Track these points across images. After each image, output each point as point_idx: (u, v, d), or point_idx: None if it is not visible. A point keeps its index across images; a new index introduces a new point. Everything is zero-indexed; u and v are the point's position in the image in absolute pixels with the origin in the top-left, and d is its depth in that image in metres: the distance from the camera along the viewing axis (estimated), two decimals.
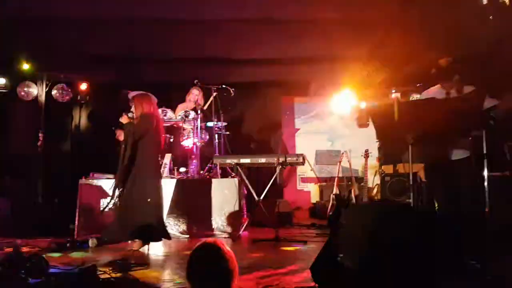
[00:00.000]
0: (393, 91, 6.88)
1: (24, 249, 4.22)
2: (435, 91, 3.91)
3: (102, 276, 2.87)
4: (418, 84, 6.58)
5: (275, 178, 6.55)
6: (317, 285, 2.74)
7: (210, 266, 1.73)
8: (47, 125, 6.67)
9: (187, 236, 5.30)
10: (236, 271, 1.81)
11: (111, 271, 3.06)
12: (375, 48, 6.20)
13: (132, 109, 4.74)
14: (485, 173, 3.49)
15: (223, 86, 6.08)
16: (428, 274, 2.52)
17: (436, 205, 3.98)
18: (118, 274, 3.05)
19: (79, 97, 6.94)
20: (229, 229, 5.40)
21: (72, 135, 7.73)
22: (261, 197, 5.74)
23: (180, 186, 5.50)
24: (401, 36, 5.90)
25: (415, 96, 6.88)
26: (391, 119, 3.25)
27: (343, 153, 6.27)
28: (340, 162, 6.26)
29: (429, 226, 2.80)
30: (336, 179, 6.19)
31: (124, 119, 4.66)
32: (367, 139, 7.82)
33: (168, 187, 5.40)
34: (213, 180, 5.68)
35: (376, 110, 3.74)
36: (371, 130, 7.41)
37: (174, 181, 5.54)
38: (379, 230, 2.50)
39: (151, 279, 3.04)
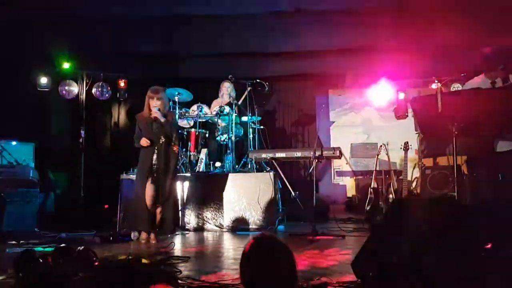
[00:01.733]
0: (435, 81, 6.67)
1: (70, 242, 4.39)
2: (479, 81, 3.77)
3: (147, 269, 2.94)
4: (462, 74, 6.36)
5: (311, 172, 6.51)
6: (359, 281, 2.71)
7: (269, 266, 1.53)
8: (87, 122, 6.87)
9: (224, 230, 5.36)
10: (296, 270, 1.63)
11: (154, 264, 3.13)
12: None
13: (159, 104, 4.60)
14: None
15: (257, 80, 6.08)
16: (474, 268, 2.44)
17: (481, 198, 3.84)
18: (162, 267, 3.12)
19: (118, 95, 7.10)
20: (264, 223, 5.41)
21: (111, 132, 7.94)
22: (297, 191, 5.72)
23: (216, 180, 5.55)
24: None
25: (456, 86, 6.67)
26: (434, 110, 3.15)
27: (381, 146, 6.13)
28: (378, 155, 6.13)
29: (474, 220, 2.71)
30: (374, 172, 6.07)
31: (159, 115, 4.57)
32: (404, 131, 7.65)
33: (203, 182, 5.46)
34: (249, 175, 5.70)
35: (418, 101, 3.63)
36: (408, 122, 7.29)
37: (210, 175, 5.60)
38: (426, 224, 2.44)
39: (193, 272, 3.09)
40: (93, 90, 6.86)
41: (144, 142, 4.52)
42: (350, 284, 2.68)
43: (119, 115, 7.99)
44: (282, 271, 1.55)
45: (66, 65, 6.74)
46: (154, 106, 4.55)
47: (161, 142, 4.55)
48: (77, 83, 6.87)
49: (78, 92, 6.87)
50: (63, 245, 2.95)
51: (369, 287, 2.58)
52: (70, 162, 7.80)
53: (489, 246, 3.58)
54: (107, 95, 6.95)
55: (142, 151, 4.66)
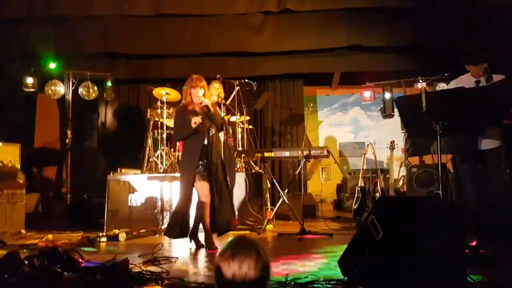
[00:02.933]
0: (420, 81, 6.76)
1: (56, 244, 4.35)
2: (464, 80, 3.82)
3: (135, 270, 2.94)
4: (446, 74, 6.45)
5: (299, 171, 6.55)
6: (345, 278, 2.74)
7: (246, 269, 1.50)
8: (74, 122, 6.81)
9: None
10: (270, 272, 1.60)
11: (142, 265, 3.12)
12: None
13: (203, 94, 4.06)
14: None
15: (246, 80, 6.08)
16: (459, 265, 2.48)
17: (466, 196, 3.89)
18: (150, 267, 3.11)
19: (104, 95, 7.05)
20: (253, 223, 5.42)
21: (98, 132, 7.88)
22: (286, 191, 5.75)
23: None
24: None
25: (442, 86, 6.75)
26: (419, 109, 3.18)
27: (368, 145, 6.19)
28: (365, 154, 6.18)
29: (459, 217, 2.76)
30: (361, 171, 6.12)
31: (209, 103, 4.05)
32: (391, 131, 7.75)
33: None
34: (237, 174, 5.69)
35: (403, 100, 3.67)
36: (395, 121, 7.36)
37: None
38: (409, 223, 2.47)
39: (181, 272, 3.09)
40: (80, 90, 6.80)
41: (198, 119, 3.95)
42: (337, 281, 2.71)
43: (106, 115, 7.94)
44: (253, 274, 1.51)
45: (52, 65, 6.67)
46: (199, 96, 4.02)
47: (211, 134, 4.06)
48: (63, 83, 6.80)
49: (64, 92, 6.80)
50: (49, 246, 2.93)
51: (355, 284, 2.61)
52: (57, 162, 7.74)
53: (473, 243, 3.66)
54: (93, 95, 6.89)
55: (189, 146, 4.08)
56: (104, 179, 5.55)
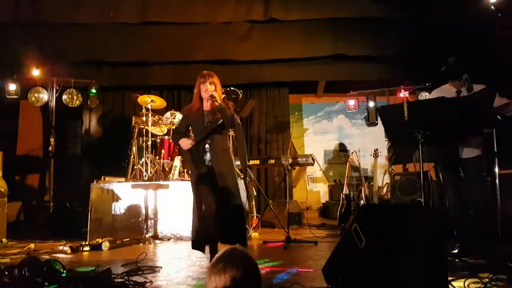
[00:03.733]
0: (402, 90, 6.87)
1: (38, 253, 4.29)
2: (445, 90, 3.90)
3: (117, 280, 2.91)
4: (428, 84, 6.57)
5: (285, 179, 6.57)
6: (329, 286, 2.75)
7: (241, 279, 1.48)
8: (57, 130, 6.73)
9: None
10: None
11: (125, 275, 3.09)
12: None
13: (213, 89, 3.67)
14: (496, 170, 3.47)
15: (231, 88, 6.10)
16: (440, 273, 2.51)
17: (447, 203, 3.96)
18: (133, 277, 3.08)
19: (89, 102, 6.99)
20: None
21: (82, 139, 7.80)
22: (271, 198, 5.77)
23: (189, 188, 5.51)
24: None
25: (424, 95, 6.87)
26: (401, 118, 3.23)
27: (352, 153, 6.26)
28: (349, 162, 6.24)
29: (440, 225, 2.79)
30: (346, 179, 6.17)
31: (216, 96, 3.65)
32: (376, 139, 7.84)
33: (178, 190, 5.43)
34: None
35: (385, 110, 3.72)
36: (379, 129, 7.45)
37: (184, 183, 5.57)
38: (391, 231, 2.50)
39: (165, 282, 3.07)
40: (64, 97, 6.73)
41: (185, 144, 3.71)
42: None
43: (90, 122, 7.87)
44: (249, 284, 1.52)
45: (35, 72, 6.60)
46: (207, 91, 3.65)
47: (215, 137, 3.68)
48: (47, 90, 6.73)
49: (48, 99, 6.73)
50: (30, 256, 2.88)
51: None
52: (40, 170, 7.63)
53: (455, 251, 3.71)
54: (77, 102, 6.82)
55: (193, 149, 3.76)
56: (87, 187, 5.49)
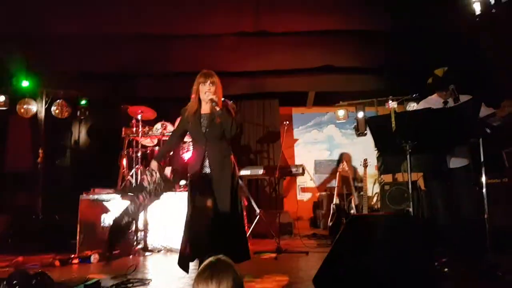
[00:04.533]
0: (390, 101, 6.95)
1: (27, 266, 4.23)
2: (433, 100, 3.96)
3: None
4: (415, 94, 6.67)
5: (275, 189, 6.59)
6: None
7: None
8: (47, 142, 6.68)
9: None
10: None
11: (115, 287, 3.07)
12: None
13: (213, 90, 3.34)
14: (483, 180, 3.52)
15: (222, 99, 6.11)
16: (429, 281, 2.54)
17: (436, 213, 3.99)
18: None
19: (78, 113, 6.97)
20: None
21: (72, 151, 7.75)
22: (262, 209, 5.77)
23: (180, 199, 5.50)
24: None
25: (411, 105, 6.96)
26: (389, 128, 3.28)
27: (342, 163, 6.31)
28: (339, 171, 6.28)
29: (429, 234, 2.83)
30: (336, 188, 6.21)
31: (216, 99, 3.33)
32: (365, 148, 7.91)
33: (169, 201, 5.41)
34: None
35: (373, 120, 3.77)
36: (368, 139, 7.51)
37: (175, 194, 5.55)
38: (381, 240, 2.52)
39: None
40: (53, 108, 6.70)
41: (153, 165, 3.53)
42: None
43: (80, 133, 7.83)
44: None
45: (25, 83, 6.57)
46: (207, 92, 3.33)
47: (214, 144, 3.37)
48: (36, 101, 6.69)
49: (37, 111, 6.68)
50: (20, 269, 2.85)
51: None
52: (28, 182, 7.54)
53: (444, 260, 3.74)
54: (67, 113, 6.79)
55: (192, 154, 3.49)
56: (76, 199, 5.45)
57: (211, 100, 3.29)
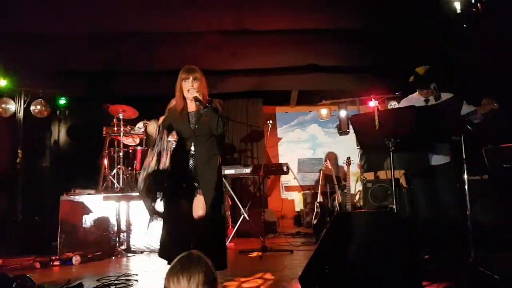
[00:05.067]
0: (372, 99, 7.02)
1: (6, 269, 4.13)
2: (414, 99, 4.01)
3: None
4: (397, 93, 6.74)
5: (260, 188, 6.58)
6: None
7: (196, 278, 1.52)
8: (26, 141, 6.53)
9: None
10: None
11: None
12: None
13: (197, 86, 3.19)
14: (465, 177, 3.58)
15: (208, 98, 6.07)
16: (414, 277, 2.57)
17: (418, 210, 4.04)
18: None
19: (58, 112, 6.82)
20: None
21: (51, 151, 7.59)
22: (246, 208, 5.76)
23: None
24: None
25: (393, 104, 7.03)
26: (372, 126, 3.30)
27: (326, 161, 6.34)
28: (323, 170, 6.32)
29: (412, 230, 2.86)
30: (319, 187, 6.24)
31: (200, 96, 3.17)
32: (348, 147, 7.97)
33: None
34: None
35: (357, 118, 3.79)
36: (351, 138, 7.58)
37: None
38: (367, 237, 2.54)
39: None
40: (32, 108, 6.53)
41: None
42: None
43: (59, 133, 7.67)
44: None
45: (2, 82, 6.40)
46: (190, 89, 3.19)
47: (202, 142, 3.23)
48: (14, 100, 6.53)
49: (15, 110, 6.52)
50: None
51: None
52: (7, 183, 7.35)
53: (427, 257, 3.79)
54: (46, 112, 6.63)
55: (174, 154, 3.28)
56: (57, 200, 5.35)
57: (195, 99, 3.14)
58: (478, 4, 4.44)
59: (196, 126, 3.21)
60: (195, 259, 1.59)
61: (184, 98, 3.26)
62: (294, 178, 8.69)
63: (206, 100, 3.18)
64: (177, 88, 3.28)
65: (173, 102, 3.38)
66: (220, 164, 3.33)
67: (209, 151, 3.24)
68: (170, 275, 1.54)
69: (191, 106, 3.26)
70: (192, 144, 3.22)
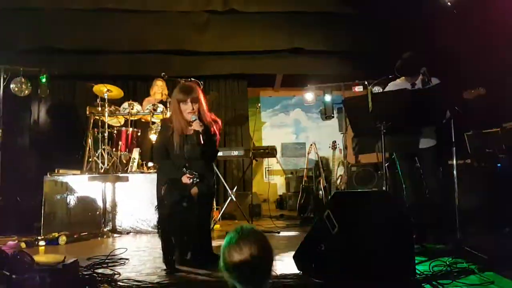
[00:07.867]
0: (358, 84, 7.05)
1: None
2: (400, 84, 4.04)
3: (84, 272, 2.81)
4: (383, 78, 6.81)
5: (245, 171, 6.61)
6: (301, 272, 2.81)
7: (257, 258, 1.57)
8: (5, 121, 6.32)
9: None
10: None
11: (92, 267, 3.00)
12: None
13: (197, 108, 3.19)
14: (454, 161, 3.68)
15: (191, 79, 6.01)
16: (407, 256, 2.64)
17: (405, 192, 4.14)
18: (100, 270, 3.00)
19: (39, 91, 6.61)
20: None
21: (31, 131, 7.40)
22: (234, 190, 5.79)
23: (149, 180, 5.40)
24: None
25: (376, 89, 7.11)
26: (365, 109, 3.35)
27: (311, 145, 6.41)
28: (308, 154, 6.39)
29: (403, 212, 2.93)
30: (305, 170, 6.31)
31: (200, 127, 3.16)
32: (330, 132, 8.06)
33: (137, 182, 5.31)
34: None
35: (351, 100, 3.84)
36: (333, 123, 7.65)
37: (143, 176, 5.45)
38: (363, 217, 2.60)
39: (133, 274, 3.01)
40: (12, 86, 6.31)
41: (186, 179, 3.12)
42: (293, 276, 2.77)
43: (40, 113, 7.46)
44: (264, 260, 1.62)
45: None
46: (190, 112, 3.12)
47: (196, 164, 3.21)
48: None
49: None
50: None
51: (311, 278, 2.69)
52: None
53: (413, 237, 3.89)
54: (27, 91, 6.42)
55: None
56: (38, 180, 5.24)
57: (197, 133, 3.08)
58: None
59: (189, 151, 3.19)
60: (250, 230, 1.67)
61: (182, 120, 3.16)
62: (277, 162, 8.75)
63: (208, 122, 3.22)
64: (172, 107, 3.21)
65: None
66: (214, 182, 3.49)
67: (201, 169, 3.19)
68: (231, 245, 1.60)
69: (187, 129, 3.20)
70: (184, 163, 3.18)
